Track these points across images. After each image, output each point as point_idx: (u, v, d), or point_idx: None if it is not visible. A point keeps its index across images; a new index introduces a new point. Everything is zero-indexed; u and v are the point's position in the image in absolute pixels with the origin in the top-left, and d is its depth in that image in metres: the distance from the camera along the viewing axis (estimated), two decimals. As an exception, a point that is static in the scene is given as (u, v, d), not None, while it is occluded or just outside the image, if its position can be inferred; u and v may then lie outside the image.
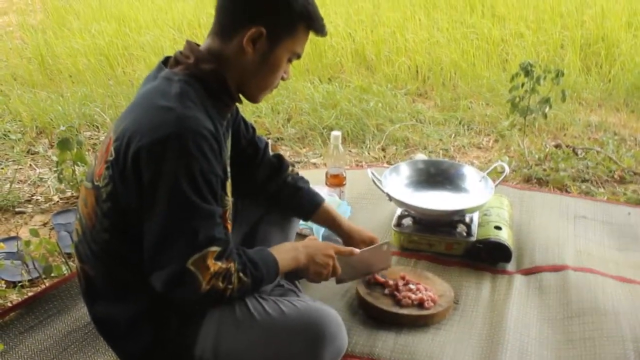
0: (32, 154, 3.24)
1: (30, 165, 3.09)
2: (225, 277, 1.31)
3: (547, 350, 1.62)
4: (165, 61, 1.44)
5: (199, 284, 1.27)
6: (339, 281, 1.73)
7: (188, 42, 1.44)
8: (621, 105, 3.96)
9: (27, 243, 1.90)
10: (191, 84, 1.35)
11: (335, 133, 2.36)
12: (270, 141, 1.83)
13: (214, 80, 1.39)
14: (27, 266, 1.94)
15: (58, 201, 2.59)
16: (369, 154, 3.37)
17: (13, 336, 1.60)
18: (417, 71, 4.52)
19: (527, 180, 2.83)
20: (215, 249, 1.29)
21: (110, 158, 1.33)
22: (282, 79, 1.47)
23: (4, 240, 2.13)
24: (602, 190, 2.67)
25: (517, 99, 2.99)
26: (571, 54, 4.59)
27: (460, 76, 4.39)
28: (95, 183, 1.37)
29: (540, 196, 2.51)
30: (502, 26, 5.13)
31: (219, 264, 1.29)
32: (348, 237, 1.81)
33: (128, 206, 1.32)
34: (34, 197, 2.64)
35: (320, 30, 1.44)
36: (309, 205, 1.81)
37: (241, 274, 1.34)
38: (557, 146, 3.28)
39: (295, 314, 1.42)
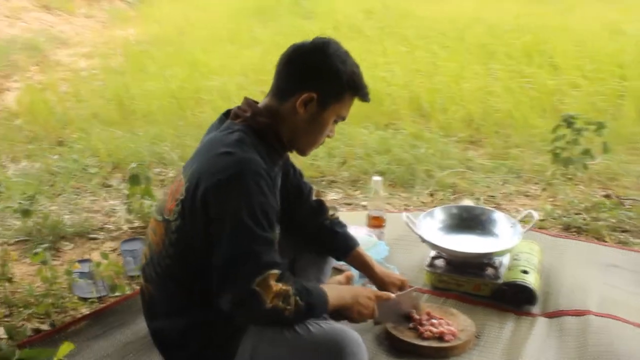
0: (106, 187, 3.58)
1: (105, 197, 3.42)
2: (285, 298, 1.49)
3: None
4: (227, 113, 1.70)
5: (264, 302, 1.46)
6: (376, 323, 1.89)
7: (246, 99, 1.70)
8: (680, 158, 3.93)
9: (98, 264, 2.19)
10: (248, 133, 1.59)
11: (376, 178, 2.55)
12: (315, 188, 2.04)
13: (268, 131, 1.62)
14: (97, 285, 2.21)
15: (127, 230, 2.88)
16: (417, 198, 3.50)
17: (82, 342, 1.87)
18: (470, 120, 4.65)
19: (566, 228, 2.90)
20: (275, 271, 1.49)
21: (181, 197, 1.57)
22: (328, 136, 1.70)
23: (79, 261, 2.42)
24: (638, 240, 2.72)
25: (559, 150, 3.09)
26: (629, 104, 4.60)
27: (513, 125, 4.48)
28: (166, 217, 1.62)
29: (573, 244, 2.59)
30: (557, 76, 5.20)
31: (280, 285, 1.48)
32: (380, 280, 1.96)
33: (192, 240, 1.55)
34: (106, 226, 2.94)
35: (364, 97, 1.67)
36: (343, 248, 1.98)
37: (297, 298, 1.51)
38: (607, 196, 3.32)
39: (320, 333, 1.58)
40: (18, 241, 2.73)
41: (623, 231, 2.83)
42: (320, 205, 1.98)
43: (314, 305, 1.57)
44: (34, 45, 6.71)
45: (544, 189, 3.60)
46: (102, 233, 2.85)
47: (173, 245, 1.59)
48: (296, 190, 1.95)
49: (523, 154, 4.04)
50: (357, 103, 1.70)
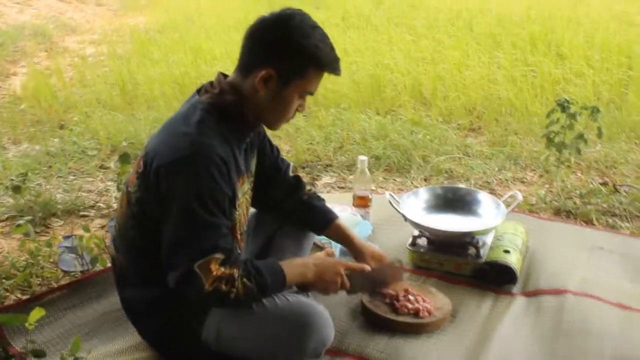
0: (104, 169, 3.61)
1: (101, 178, 3.46)
2: (229, 282, 1.50)
3: (529, 363, 1.72)
4: (201, 88, 1.68)
5: (202, 285, 1.47)
6: (350, 292, 1.89)
7: (219, 74, 1.68)
8: (682, 147, 3.89)
9: (81, 238, 2.21)
10: (211, 112, 1.58)
11: (362, 157, 2.55)
12: (292, 164, 2.04)
13: (232, 110, 1.61)
14: (81, 259, 2.23)
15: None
16: (411, 183, 3.49)
17: (58, 311, 1.90)
18: (471, 107, 4.63)
19: (556, 213, 2.88)
20: (219, 256, 1.49)
21: (140, 170, 1.59)
22: (298, 111, 1.67)
23: (65, 237, 2.45)
24: (627, 224, 2.69)
25: (553, 134, 3.07)
26: (633, 94, 4.55)
27: (513, 113, 4.45)
28: (128, 189, 1.64)
29: (561, 226, 2.58)
30: (563, 65, 5.15)
31: (222, 269, 1.49)
32: (358, 252, 1.96)
33: (151, 213, 1.57)
34: (97, 204, 2.97)
35: (332, 71, 1.62)
36: (321, 221, 1.98)
37: (245, 280, 1.52)
38: (604, 184, 3.29)
39: (286, 306, 1.59)
40: (9, 217, 2.77)
41: (612, 215, 2.80)
42: (298, 181, 1.99)
43: (265, 285, 1.57)
44: (43, 32, 6.78)
45: (540, 176, 3.58)
46: (93, 211, 2.88)
47: (135, 217, 1.61)
48: (273, 167, 1.96)
49: (522, 141, 4.02)
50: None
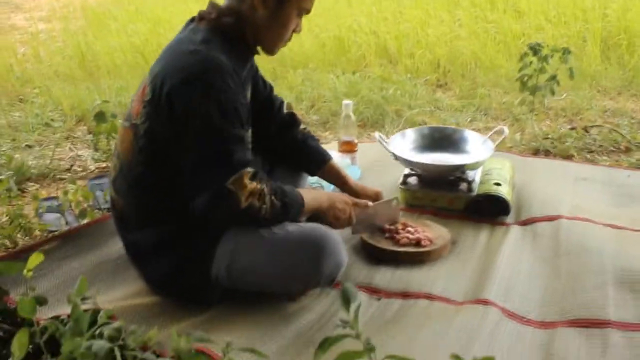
0: (71, 138, 3.49)
1: (70, 147, 3.34)
2: (261, 196, 1.47)
3: (534, 282, 1.75)
4: (192, 20, 1.64)
5: (239, 201, 1.44)
6: (354, 231, 1.89)
7: (211, 1, 1.63)
8: (640, 92, 4.02)
9: (66, 192, 2.13)
10: (214, 33, 1.55)
11: (346, 102, 2.53)
12: (286, 101, 2.00)
13: (233, 31, 1.57)
14: (65, 217, 2.15)
15: (94, 170, 2.82)
16: (387, 136, 3.51)
17: (52, 261, 1.82)
18: (437, 64, 4.66)
19: (535, 153, 2.94)
20: (249, 170, 1.47)
21: (147, 98, 1.52)
22: (295, 31, 1.64)
23: (46, 199, 2.35)
24: (605, 158, 2.77)
25: (526, 78, 3.11)
26: (592, 45, 4.66)
27: (479, 67, 4.51)
28: (133, 121, 1.56)
29: (543, 162, 2.64)
30: (522, 21, 5.24)
31: (254, 183, 1.46)
32: (354, 193, 1.94)
33: (162, 143, 1.50)
34: (72, 168, 2.87)
35: None
36: (316, 161, 1.95)
37: (273, 197, 1.50)
38: (572, 129, 3.37)
39: (298, 232, 1.58)
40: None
41: (590, 152, 2.88)
42: (293, 118, 1.95)
43: (290, 205, 1.56)
44: (-16, 10, 6.48)
45: (511, 125, 3.64)
46: (69, 174, 2.78)
47: (143, 151, 1.54)
48: (267, 102, 1.91)
49: (490, 93, 4.07)
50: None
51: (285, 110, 1.95)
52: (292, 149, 1.94)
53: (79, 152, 3.19)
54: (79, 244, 1.91)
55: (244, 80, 1.63)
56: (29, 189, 2.62)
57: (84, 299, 1.37)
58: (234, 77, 1.49)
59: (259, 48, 1.66)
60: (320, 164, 1.95)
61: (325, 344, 0.85)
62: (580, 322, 1.55)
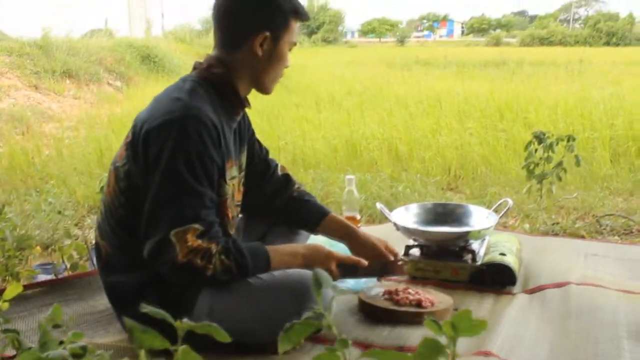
0: (81, 224, 3.52)
1: (76, 234, 3.34)
2: (205, 256, 1.43)
3: (541, 339, 1.64)
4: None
5: (176, 255, 1.41)
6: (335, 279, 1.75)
7: (207, 55, 1.71)
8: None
9: (60, 248, 2.10)
10: (202, 85, 1.60)
11: (349, 177, 2.53)
12: (280, 164, 2.02)
13: (223, 82, 1.62)
14: (57, 274, 2.10)
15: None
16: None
17: (35, 307, 1.77)
18: (448, 169, 4.71)
19: (545, 235, 2.87)
20: (198, 226, 1.43)
21: (129, 140, 1.55)
22: (286, 67, 1.71)
23: (41, 264, 2.31)
24: (617, 238, 2.69)
25: (532, 166, 3.12)
26: (601, 150, 4.71)
27: (489, 171, 4.55)
28: (116, 164, 1.59)
29: (553, 240, 2.57)
30: (531, 130, 5.34)
31: (199, 241, 1.43)
32: (359, 247, 1.85)
33: (139, 185, 1.51)
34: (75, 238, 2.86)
35: (306, 18, 1.70)
36: (314, 216, 1.90)
37: (223, 257, 1.46)
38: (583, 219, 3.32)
39: (283, 275, 1.54)
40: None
41: (601, 234, 2.81)
42: (288, 179, 1.95)
43: (246, 267, 1.51)
44: (20, 117, 6.81)
45: (522, 221, 3.60)
46: (69, 241, 2.75)
47: (123, 193, 1.55)
48: (263, 165, 1.93)
49: (500, 192, 4.06)
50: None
51: (280, 172, 1.95)
52: (289, 207, 1.92)
53: (85, 233, 3.20)
54: (65, 294, 1.86)
55: (235, 136, 1.66)
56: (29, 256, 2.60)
57: (56, 326, 1.30)
58: (211, 132, 1.50)
59: (248, 97, 1.70)
60: (319, 219, 1.91)
61: None
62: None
